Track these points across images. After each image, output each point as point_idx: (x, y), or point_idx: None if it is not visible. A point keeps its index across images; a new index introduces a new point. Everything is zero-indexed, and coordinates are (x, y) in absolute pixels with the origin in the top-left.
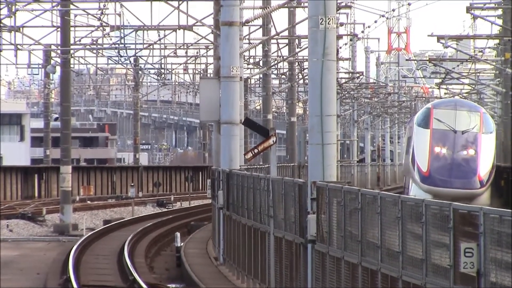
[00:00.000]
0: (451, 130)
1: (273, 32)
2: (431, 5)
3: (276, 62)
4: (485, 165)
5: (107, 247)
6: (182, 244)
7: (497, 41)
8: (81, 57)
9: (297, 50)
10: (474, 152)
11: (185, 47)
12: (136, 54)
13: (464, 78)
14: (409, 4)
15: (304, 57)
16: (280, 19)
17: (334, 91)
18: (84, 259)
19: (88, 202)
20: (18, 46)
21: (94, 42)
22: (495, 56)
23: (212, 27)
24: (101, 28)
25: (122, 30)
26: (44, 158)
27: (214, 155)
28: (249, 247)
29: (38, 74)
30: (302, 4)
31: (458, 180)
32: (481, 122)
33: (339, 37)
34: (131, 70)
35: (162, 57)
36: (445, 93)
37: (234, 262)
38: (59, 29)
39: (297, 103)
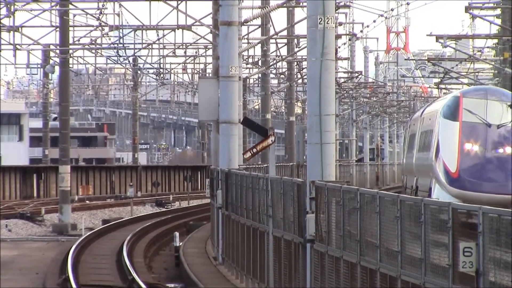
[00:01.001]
0: (485, 124)
1: (272, 32)
2: (430, 4)
3: (275, 61)
4: None
5: (106, 247)
6: (181, 243)
7: (495, 40)
8: (80, 57)
9: (295, 49)
10: None
11: (184, 46)
12: (135, 54)
13: (463, 78)
14: (407, 4)
15: (303, 57)
16: (279, 18)
17: (333, 91)
18: (83, 259)
19: (87, 202)
20: (17, 46)
21: (93, 42)
22: (494, 56)
23: (211, 26)
24: (100, 28)
25: (121, 30)
26: (43, 158)
27: (213, 155)
28: (248, 246)
29: (37, 74)
30: (301, 4)
31: (493, 183)
32: None
33: (338, 36)
34: (130, 70)
35: (161, 57)
36: (443, 93)
37: (233, 262)
38: (58, 29)
39: (295, 103)
